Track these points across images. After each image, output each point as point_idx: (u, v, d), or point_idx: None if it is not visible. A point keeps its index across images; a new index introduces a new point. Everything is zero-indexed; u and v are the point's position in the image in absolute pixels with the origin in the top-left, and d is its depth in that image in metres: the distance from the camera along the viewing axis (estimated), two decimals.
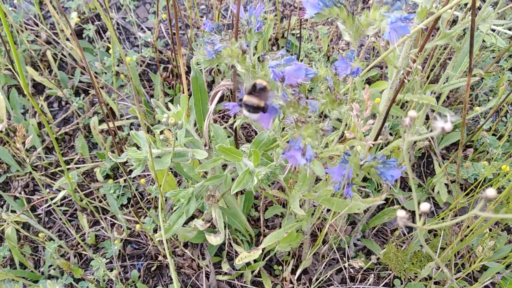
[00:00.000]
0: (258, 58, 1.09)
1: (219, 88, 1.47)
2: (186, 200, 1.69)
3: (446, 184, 2.02)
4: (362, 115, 0.90)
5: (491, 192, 0.60)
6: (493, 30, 1.93)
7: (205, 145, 1.65)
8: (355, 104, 0.90)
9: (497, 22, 1.15)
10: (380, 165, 1.12)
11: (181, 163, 1.75)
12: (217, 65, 1.42)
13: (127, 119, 2.49)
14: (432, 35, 1.92)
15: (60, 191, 2.41)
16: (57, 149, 1.73)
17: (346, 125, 1.56)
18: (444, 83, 1.39)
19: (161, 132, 1.87)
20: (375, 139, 1.45)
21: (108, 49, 2.67)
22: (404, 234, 2.32)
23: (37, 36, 2.70)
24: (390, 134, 2.15)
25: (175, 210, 1.71)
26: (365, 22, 1.05)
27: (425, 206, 0.72)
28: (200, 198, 2.01)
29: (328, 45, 2.63)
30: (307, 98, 1.12)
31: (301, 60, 2.59)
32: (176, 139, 1.48)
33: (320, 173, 1.37)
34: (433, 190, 2.23)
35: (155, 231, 2.16)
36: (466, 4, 2.36)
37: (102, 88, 2.65)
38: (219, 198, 1.93)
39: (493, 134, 2.31)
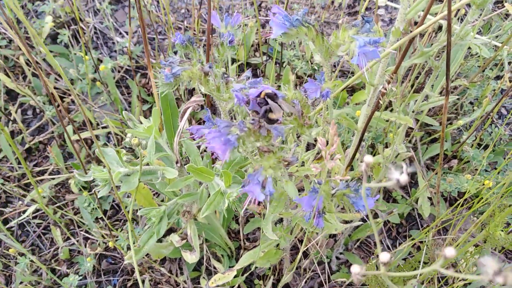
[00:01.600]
0: (225, 75, 1.01)
1: (189, 105, 1.39)
2: (157, 219, 1.61)
3: (429, 198, 1.96)
4: (328, 150, 0.83)
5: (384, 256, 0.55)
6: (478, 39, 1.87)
7: (177, 162, 1.57)
8: (320, 138, 0.83)
9: (476, 42, 1.09)
10: (353, 193, 1.06)
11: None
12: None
13: (103, 127, 2.41)
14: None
15: (32, 203, 2.33)
16: (23, 164, 1.65)
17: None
18: (423, 100, 1.33)
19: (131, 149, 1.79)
20: (353, 157, 1.38)
21: (86, 54, 2.57)
22: (389, 247, 2.27)
23: (10, 41, 2.60)
24: (373, 146, 2.09)
25: (146, 230, 1.63)
26: (335, 43, 0.98)
27: (385, 256, 0.65)
28: (176, 213, 1.94)
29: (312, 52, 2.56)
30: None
31: (283, 65, 2.52)
32: (144, 157, 1.41)
33: (292, 195, 1.30)
34: (417, 202, 2.17)
35: (129, 248, 2.09)
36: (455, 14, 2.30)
37: (77, 95, 2.56)
38: (195, 214, 1.86)
39: (479, 144, 2.25)
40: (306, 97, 1.07)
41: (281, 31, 0.99)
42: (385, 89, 1.06)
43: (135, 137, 1.27)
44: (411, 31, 1.03)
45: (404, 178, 0.56)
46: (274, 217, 1.66)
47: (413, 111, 1.29)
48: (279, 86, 1.11)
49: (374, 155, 2.02)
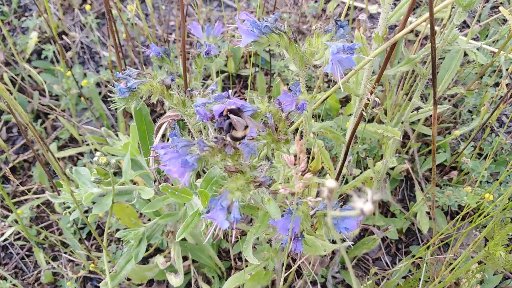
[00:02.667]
0: (188, 90, 0.92)
1: (164, 120, 1.31)
2: (136, 242, 1.52)
3: (428, 212, 1.86)
4: (297, 169, 0.74)
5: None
6: (474, 45, 1.78)
7: (155, 181, 1.49)
8: (287, 156, 0.74)
9: (466, 46, 1.00)
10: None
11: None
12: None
13: (87, 144, 2.33)
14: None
15: (15, 225, 2.24)
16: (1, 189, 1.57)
17: (309, 158, 1.40)
18: (414, 110, 1.24)
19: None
20: (339, 172, 1.29)
21: (71, 68, 2.51)
22: (388, 264, 2.15)
23: None
24: (367, 157, 1.99)
25: (124, 253, 1.54)
26: (309, 51, 0.89)
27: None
28: (161, 233, 1.85)
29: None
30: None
31: (270, 76, 2.44)
32: (114, 175, 1.32)
33: (275, 216, 1.21)
34: (415, 216, 2.07)
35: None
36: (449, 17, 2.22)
37: (63, 111, 2.49)
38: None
39: (479, 154, 2.15)
40: (281, 110, 0.98)
41: (251, 39, 0.90)
42: (368, 100, 0.97)
43: (105, 155, 1.19)
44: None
45: (368, 208, 0.46)
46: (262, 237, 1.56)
47: (402, 122, 1.20)
48: (252, 99, 1.02)
49: (366, 169, 1.92)
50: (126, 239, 1.51)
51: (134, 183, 1.93)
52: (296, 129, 1.47)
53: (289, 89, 0.97)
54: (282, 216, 0.94)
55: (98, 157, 1.15)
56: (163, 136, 1.28)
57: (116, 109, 2.49)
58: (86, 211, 2.21)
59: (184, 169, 0.73)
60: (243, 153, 0.87)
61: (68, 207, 1.29)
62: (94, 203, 1.37)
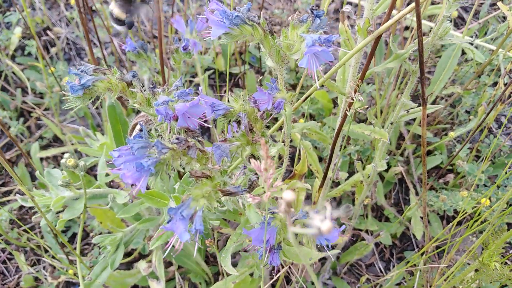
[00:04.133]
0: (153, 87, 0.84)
1: (138, 119, 1.23)
2: (113, 248, 1.44)
3: (422, 217, 1.77)
4: (266, 175, 0.66)
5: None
6: (471, 44, 1.70)
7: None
8: (254, 162, 0.66)
9: (458, 41, 0.92)
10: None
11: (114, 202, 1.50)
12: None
13: (72, 144, 2.25)
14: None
15: None
16: None
17: (293, 159, 1.31)
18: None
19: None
20: (325, 176, 1.21)
21: (55, 65, 2.43)
22: (381, 270, 2.07)
23: None
24: (361, 160, 1.91)
25: (100, 260, 1.46)
26: (285, 44, 0.81)
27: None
28: (143, 238, 1.77)
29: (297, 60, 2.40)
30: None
31: (261, 74, 2.35)
32: (89, 180, 1.24)
33: (254, 222, 1.13)
34: (410, 221, 1.98)
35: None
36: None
37: (47, 109, 2.41)
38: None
39: (477, 156, 2.06)
40: (257, 109, 0.90)
41: (221, 30, 0.82)
42: (352, 99, 0.89)
43: (74, 156, 1.11)
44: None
45: (327, 226, 0.39)
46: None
47: (391, 123, 1.12)
48: (221, 96, 0.95)
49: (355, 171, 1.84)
50: (102, 245, 1.43)
51: (112, 185, 1.85)
52: (281, 129, 1.38)
53: (261, 84, 0.88)
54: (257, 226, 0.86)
55: (66, 159, 1.07)
56: None
57: (96, 107, 2.38)
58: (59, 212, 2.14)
59: (140, 174, 0.65)
60: (212, 157, 0.79)
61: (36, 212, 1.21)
62: (65, 207, 1.29)
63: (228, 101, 0.91)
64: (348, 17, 0.99)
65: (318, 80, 0.76)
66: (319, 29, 0.73)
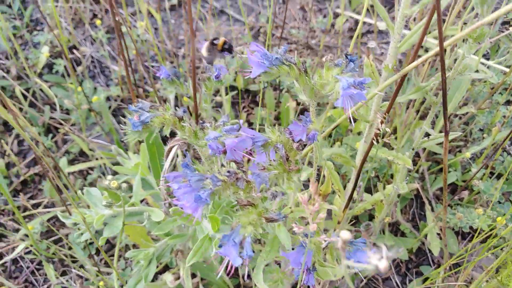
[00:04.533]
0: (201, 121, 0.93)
1: (174, 143, 1.31)
2: (146, 262, 1.52)
3: (438, 234, 1.84)
4: (310, 210, 0.74)
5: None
6: (484, 64, 1.77)
7: (164, 202, 1.49)
8: (301, 196, 0.74)
9: (477, 76, 0.99)
10: (347, 246, 0.95)
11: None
12: None
13: (97, 159, 2.34)
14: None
15: (26, 238, 2.26)
16: (10, 202, 1.58)
17: (318, 180, 1.39)
18: (424, 137, 1.23)
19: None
20: (349, 198, 1.28)
21: (81, 82, 2.54)
22: (398, 284, 2.13)
23: (7, 71, 2.58)
24: (377, 177, 1.98)
25: (134, 273, 1.54)
26: (319, 83, 0.89)
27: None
28: (169, 252, 1.85)
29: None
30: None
31: (279, 91, 2.44)
32: (127, 199, 1.33)
33: (285, 242, 1.20)
34: (425, 236, 2.04)
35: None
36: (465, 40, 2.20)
37: (73, 125, 2.51)
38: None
39: (491, 173, 2.12)
40: (292, 140, 0.98)
41: (261, 70, 0.91)
42: (379, 129, 0.96)
43: (115, 174, 1.20)
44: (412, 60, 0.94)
45: (383, 265, 0.46)
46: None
47: (412, 149, 1.19)
48: (261, 126, 1.03)
49: (375, 191, 1.90)
50: (136, 259, 1.51)
51: (143, 201, 1.94)
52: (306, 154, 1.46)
53: (299, 118, 0.97)
54: (293, 249, 0.94)
55: (110, 181, 1.16)
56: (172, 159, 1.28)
57: (119, 122, 2.50)
58: (97, 230, 2.23)
59: (197, 205, 0.73)
60: (254, 185, 0.87)
61: (79, 229, 1.30)
62: (105, 224, 1.37)
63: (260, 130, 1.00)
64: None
65: (348, 114, 0.84)
66: (353, 72, 0.81)
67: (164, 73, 1.41)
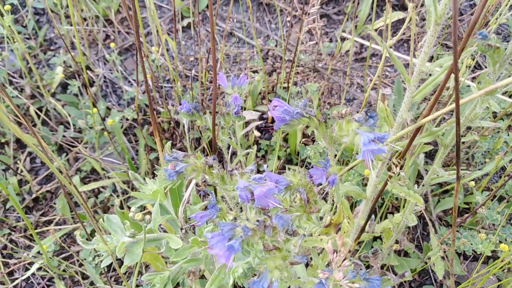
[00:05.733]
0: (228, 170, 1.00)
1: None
2: (162, 286, 1.58)
3: (442, 257, 1.90)
4: (335, 261, 0.80)
5: None
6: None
7: (181, 229, 1.55)
8: (327, 246, 0.80)
9: (485, 124, 1.06)
10: (363, 283, 1.02)
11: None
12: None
13: (108, 178, 2.40)
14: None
15: (38, 256, 2.31)
16: (25, 219, 1.64)
17: (331, 210, 1.46)
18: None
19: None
20: (362, 230, 1.34)
21: (93, 103, 2.60)
22: None
23: (22, 90, 2.64)
24: (382, 199, 2.04)
25: None
26: (339, 135, 0.96)
27: None
28: (182, 273, 1.90)
29: (319, 99, 2.56)
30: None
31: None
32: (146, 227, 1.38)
33: (301, 274, 1.26)
34: (429, 258, 2.10)
35: None
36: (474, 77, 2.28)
37: (86, 143, 2.57)
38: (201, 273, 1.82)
39: (493, 195, 2.19)
40: (312, 183, 1.05)
41: (283, 123, 0.98)
42: (393, 173, 1.03)
43: (139, 211, 1.26)
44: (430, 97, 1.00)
45: None
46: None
47: (423, 185, 1.25)
48: (283, 169, 1.09)
49: (383, 216, 1.97)
50: (152, 282, 1.57)
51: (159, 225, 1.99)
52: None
53: (318, 162, 1.03)
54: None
55: (134, 213, 1.22)
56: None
57: (137, 141, 2.54)
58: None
59: (230, 253, 0.80)
60: (278, 229, 0.94)
61: (99, 255, 1.36)
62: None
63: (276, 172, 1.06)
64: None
65: (369, 168, 0.90)
66: (372, 126, 0.88)
67: (185, 107, 1.48)
